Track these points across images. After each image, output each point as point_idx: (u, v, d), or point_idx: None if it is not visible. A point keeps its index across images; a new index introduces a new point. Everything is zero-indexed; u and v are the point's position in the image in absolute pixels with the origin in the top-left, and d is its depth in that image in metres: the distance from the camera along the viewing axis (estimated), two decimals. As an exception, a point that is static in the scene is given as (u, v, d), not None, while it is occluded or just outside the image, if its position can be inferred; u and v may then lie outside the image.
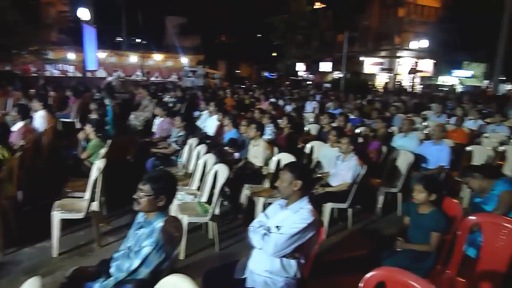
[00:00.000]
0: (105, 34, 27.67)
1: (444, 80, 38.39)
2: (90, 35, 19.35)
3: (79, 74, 22.58)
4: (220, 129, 6.82)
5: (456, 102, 12.70)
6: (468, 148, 6.22)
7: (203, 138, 6.07)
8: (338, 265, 3.88)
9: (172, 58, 32.04)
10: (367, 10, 38.86)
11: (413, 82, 31.53)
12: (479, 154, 6.00)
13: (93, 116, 6.79)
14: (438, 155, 5.46)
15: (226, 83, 27.58)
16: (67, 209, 3.77)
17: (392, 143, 6.18)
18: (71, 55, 26.33)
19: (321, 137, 6.44)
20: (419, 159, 5.52)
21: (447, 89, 32.56)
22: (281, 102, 11.51)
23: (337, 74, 34.44)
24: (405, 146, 5.88)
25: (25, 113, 5.68)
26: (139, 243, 2.20)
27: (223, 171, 4.01)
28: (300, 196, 2.59)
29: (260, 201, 4.47)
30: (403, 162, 5.33)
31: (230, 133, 5.91)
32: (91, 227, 4.03)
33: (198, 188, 4.51)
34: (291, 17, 29.73)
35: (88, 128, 4.97)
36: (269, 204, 2.96)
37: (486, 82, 33.11)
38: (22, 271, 3.45)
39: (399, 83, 35.72)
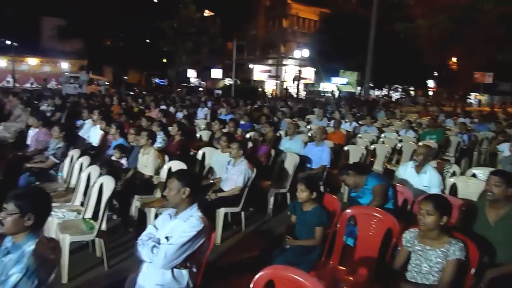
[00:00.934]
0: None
1: (325, 86, 41.94)
2: None
3: None
4: (104, 138, 6.39)
5: (335, 107, 13.93)
6: (346, 148, 6.88)
7: (86, 149, 5.62)
8: (233, 268, 3.92)
9: (49, 62, 29.18)
10: (254, 20, 40.53)
11: (298, 89, 33.78)
12: (354, 153, 6.67)
13: None
14: (320, 156, 5.91)
15: (113, 90, 26.08)
16: None
17: (279, 146, 6.50)
18: None
19: (213, 143, 6.48)
20: (304, 160, 5.91)
21: (328, 95, 35.67)
22: (172, 109, 11.29)
23: (228, 81, 35.13)
24: (291, 148, 6.25)
25: None
26: (6, 271, 1.93)
27: (109, 183, 3.76)
28: (189, 203, 2.55)
29: (151, 212, 4.30)
30: (290, 163, 5.65)
31: (116, 142, 5.58)
32: None
33: (82, 204, 4.15)
34: (180, 24, 29.45)
35: None
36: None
37: (359, 88, 37.15)
38: None
39: (285, 89, 37.96)
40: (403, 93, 43.89)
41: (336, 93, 37.26)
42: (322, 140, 6.11)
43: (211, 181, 5.09)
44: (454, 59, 42.59)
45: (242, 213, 4.78)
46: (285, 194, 5.57)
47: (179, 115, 10.26)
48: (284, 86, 38.56)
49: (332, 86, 41.61)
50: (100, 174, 4.07)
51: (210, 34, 30.04)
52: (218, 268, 3.84)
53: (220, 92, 27.07)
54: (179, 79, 35.78)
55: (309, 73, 39.21)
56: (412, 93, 45.53)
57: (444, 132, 8.59)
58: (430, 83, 45.69)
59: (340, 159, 6.62)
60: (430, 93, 46.85)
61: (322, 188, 5.88)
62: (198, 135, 7.65)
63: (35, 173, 5.07)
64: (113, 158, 5.20)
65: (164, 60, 35.81)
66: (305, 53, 30.63)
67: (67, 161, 5.07)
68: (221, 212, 4.48)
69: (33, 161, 5.54)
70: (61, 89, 23.25)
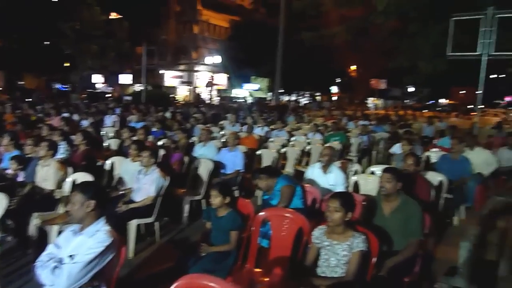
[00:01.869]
0: None
1: (237, 92, 42.61)
2: None
3: None
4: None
5: (247, 112, 14.21)
6: (258, 152, 7.05)
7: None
8: (148, 281, 3.76)
9: None
10: (164, 25, 39.66)
11: (210, 95, 33.81)
12: (267, 157, 6.86)
13: None
14: (234, 161, 5.98)
15: (6, 96, 23.42)
16: None
17: (193, 153, 6.43)
18: None
19: (123, 152, 6.17)
20: (218, 166, 5.91)
21: (240, 100, 36.28)
22: (75, 117, 10.50)
23: (138, 87, 33.79)
24: (205, 154, 6.22)
25: None
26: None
27: (0, 201, 3.35)
28: (95, 217, 2.38)
29: (53, 230, 3.93)
30: (204, 170, 5.61)
31: (10, 155, 5.01)
32: None
33: (-33, 226, 3.64)
34: (83, 26, 27.61)
35: None
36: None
37: (270, 94, 38.42)
38: None
39: (198, 95, 37.72)
40: (310, 98, 46.51)
41: (248, 99, 38.11)
42: (235, 145, 6.18)
43: (121, 192, 4.83)
44: (353, 67, 46.44)
45: (156, 223, 4.61)
46: (200, 201, 5.52)
47: (85, 123, 9.59)
48: (197, 92, 38.31)
49: (244, 92, 42.48)
50: (-10, 192, 3.61)
51: (117, 37, 28.65)
52: (131, 283, 3.65)
53: (129, 98, 25.89)
54: (84, 84, 33.47)
55: (221, 79, 39.48)
56: (318, 98, 48.43)
57: (346, 134, 9.27)
58: (334, 89, 49.05)
59: (253, 163, 6.76)
60: (334, 98, 50.26)
61: (237, 193, 5.95)
62: (106, 144, 7.23)
63: None
64: (8, 171, 4.66)
65: (67, 64, 33.18)
66: (217, 59, 30.85)
67: None
68: (133, 224, 4.27)
69: None
70: None
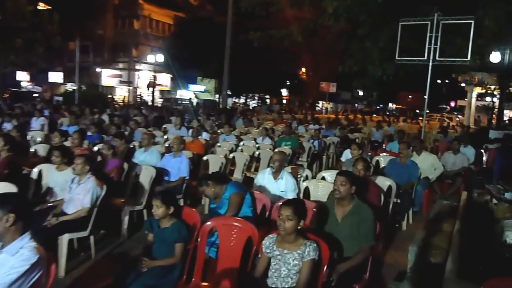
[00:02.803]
0: None
1: (182, 94, 42.08)
2: None
3: None
4: None
5: (193, 115, 14.08)
6: (205, 158, 7.00)
7: None
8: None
9: None
10: (101, 18, 38.25)
11: (153, 96, 33.07)
12: (214, 162, 6.84)
13: None
14: (178, 167, 5.90)
15: None
16: None
17: (133, 159, 6.25)
18: None
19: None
20: (161, 173, 5.80)
21: (186, 102, 35.84)
22: (-4, 119, 9.81)
23: (70, 86, 32.28)
24: (147, 161, 6.08)
25: None
26: None
27: None
28: (18, 233, 2.23)
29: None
30: (145, 177, 5.48)
31: None
32: None
33: None
34: (6, 17, 25.87)
35: None
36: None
37: (217, 96, 38.35)
38: None
39: (139, 96, 36.77)
40: (260, 101, 47.06)
41: (194, 101, 37.75)
42: (180, 151, 6.10)
43: (51, 203, 4.57)
44: (303, 70, 47.72)
45: (91, 237, 4.42)
46: (142, 211, 5.38)
47: (7, 126, 8.99)
48: (138, 93, 37.35)
49: (190, 93, 42.05)
50: None
51: (46, 31, 27.17)
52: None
53: (60, 99, 24.60)
54: (6, 82, 31.32)
55: (164, 79, 38.86)
56: (268, 101, 49.14)
57: (297, 139, 9.49)
58: (284, 92, 50.02)
59: (200, 170, 6.71)
60: (284, 101, 51.25)
61: (182, 201, 5.86)
62: (32, 149, 6.82)
63: None
64: None
65: (-15, 60, 30.90)
66: (160, 57, 30.20)
67: None
68: (64, 238, 4.06)
69: None
70: None
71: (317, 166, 9.53)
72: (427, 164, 6.73)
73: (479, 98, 29.97)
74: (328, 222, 3.44)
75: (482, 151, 9.64)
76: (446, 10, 9.54)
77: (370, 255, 3.34)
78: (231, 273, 3.23)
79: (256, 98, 47.74)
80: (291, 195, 4.46)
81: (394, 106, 67.36)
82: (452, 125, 26.15)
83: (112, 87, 38.67)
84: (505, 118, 23.97)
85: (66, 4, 29.90)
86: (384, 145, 9.99)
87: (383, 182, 5.34)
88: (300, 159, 9.01)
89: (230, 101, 36.67)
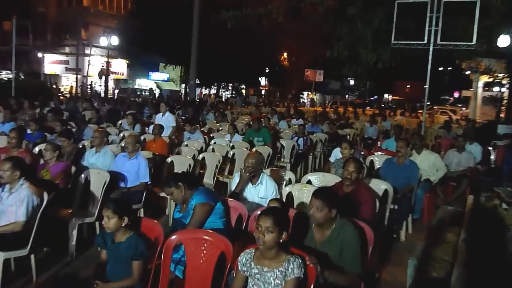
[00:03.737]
0: None
1: (141, 83, 41.71)
2: None
3: None
4: None
5: (154, 109, 13.91)
6: (169, 159, 6.94)
7: None
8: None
9: None
10: (42, -7, 37.50)
11: (106, 86, 32.62)
12: (180, 165, 6.78)
13: None
14: (136, 171, 5.82)
15: None
16: None
17: (82, 162, 6.15)
18: None
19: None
20: (116, 178, 5.71)
21: (146, 94, 35.52)
22: None
23: (6, 75, 31.44)
24: (99, 163, 5.98)
25: None
26: None
27: None
28: None
29: None
30: (97, 184, 5.38)
31: None
32: None
33: None
34: None
35: None
36: None
37: (183, 86, 38.16)
38: None
39: (90, 86, 36.20)
40: (234, 92, 47.11)
41: (156, 92, 37.47)
42: (136, 151, 6.01)
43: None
44: (285, 55, 48.00)
45: (32, 256, 4.32)
46: (93, 224, 5.29)
47: None
48: (88, 83, 36.79)
49: (151, 83, 41.70)
50: None
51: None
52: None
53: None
54: None
55: (120, 66, 38.42)
56: (244, 92, 49.22)
57: (268, 131, 9.45)
58: (262, 81, 50.22)
59: (163, 173, 6.65)
60: (263, 92, 51.45)
61: (142, 212, 5.80)
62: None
63: None
64: None
65: None
66: (114, 40, 29.80)
67: None
68: (-2, 258, 3.95)
69: None
70: None
71: (302, 168, 9.59)
72: (428, 164, 6.86)
73: (486, 88, 30.74)
74: (308, 240, 3.39)
75: (490, 148, 9.89)
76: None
77: (359, 284, 3.33)
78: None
79: (230, 88, 47.79)
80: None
81: (390, 97, 68.73)
82: (456, 119, 26.78)
83: (57, 75, 38.00)
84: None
85: (-1, -25, 29.19)
86: (379, 142, 10.13)
87: (378, 185, 5.41)
88: (282, 159, 9.04)
89: (199, 92, 36.56)
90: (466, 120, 22.23)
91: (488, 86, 30.10)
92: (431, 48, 9.87)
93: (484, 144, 9.42)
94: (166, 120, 9.80)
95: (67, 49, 38.84)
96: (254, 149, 6.92)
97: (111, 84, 36.35)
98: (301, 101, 51.17)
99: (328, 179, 5.50)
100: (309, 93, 52.55)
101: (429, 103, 15.11)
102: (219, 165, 7.23)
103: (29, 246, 4.21)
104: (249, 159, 4.72)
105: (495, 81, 23.58)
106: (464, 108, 37.57)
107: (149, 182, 5.91)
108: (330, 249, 3.28)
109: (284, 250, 2.88)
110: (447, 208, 5.58)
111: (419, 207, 6.57)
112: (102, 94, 31.04)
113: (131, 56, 34.48)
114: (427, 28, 9.76)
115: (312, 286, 2.93)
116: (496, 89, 28.51)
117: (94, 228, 5.30)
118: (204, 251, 3.32)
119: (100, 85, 34.51)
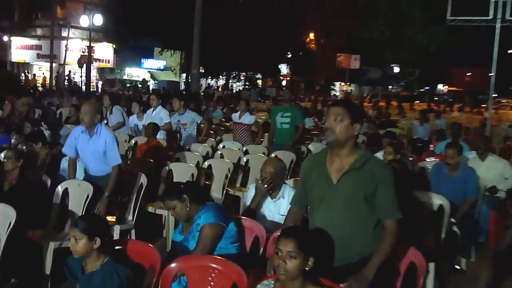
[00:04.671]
0: None
1: (132, 73, 41.96)
2: None
3: None
4: None
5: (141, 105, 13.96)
6: (167, 167, 6.98)
7: None
8: None
9: None
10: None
11: (88, 77, 32.73)
12: (181, 174, 6.78)
13: None
14: (100, 151, 5.70)
15: None
16: None
17: (60, 172, 6.21)
18: None
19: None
20: (100, 190, 5.75)
21: (138, 86, 35.64)
22: None
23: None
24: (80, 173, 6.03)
25: None
26: None
27: None
28: None
29: None
30: (78, 197, 5.45)
31: None
32: None
33: None
34: None
35: None
36: None
37: (183, 76, 38.31)
38: None
39: (67, 78, 36.47)
40: (248, 83, 47.14)
41: (151, 84, 37.66)
42: (96, 125, 5.92)
43: None
44: (312, 36, 47.88)
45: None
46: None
47: None
48: (66, 73, 37.12)
49: (144, 72, 41.94)
50: None
51: None
52: None
53: None
54: None
55: (105, 52, 38.63)
56: (260, 83, 49.22)
57: (301, 109, 9.31)
58: (284, 69, 50.16)
59: (159, 186, 6.69)
60: (284, 82, 51.41)
61: (133, 233, 5.83)
62: None
63: None
64: None
65: None
66: (98, 20, 30.02)
67: None
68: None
69: None
70: None
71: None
72: (495, 174, 6.75)
73: None
74: (314, 186, 3.26)
75: None
76: None
77: (398, 239, 3.16)
78: None
79: (242, 78, 47.85)
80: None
81: (446, 88, 68.08)
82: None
83: (27, 63, 38.35)
84: None
85: None
86: (431, 145, 10.04)
87: (431, 200, 5.35)
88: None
89: (203, 84, 36.66)
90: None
91: None
92: (498, 25, 9.77)
93: None
94: (158, 116, 9.44)
95: (39, 31, 39.11)
96: (273, 155, 6.92)
97: (94, 74, 36.60)
98: (331, 94, 50.95)
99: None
100: (342, 83, 52.28)
101: (495, 95, 14.88)
102: (229, 175, 7.24)
103: (-6, 276, 4.27)
104: (267, 166, 4.72)
105: None
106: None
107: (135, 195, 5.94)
108: (357, 181, 3.10)
109: (311, 280, 2.85)
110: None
111: (484, 228, 6.48)
112: (83, 87, 31.26)
113: (119, 39, 34.71)
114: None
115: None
116: None
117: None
118: (212, 283, 3.33)
119: (81, 76, 34.72)
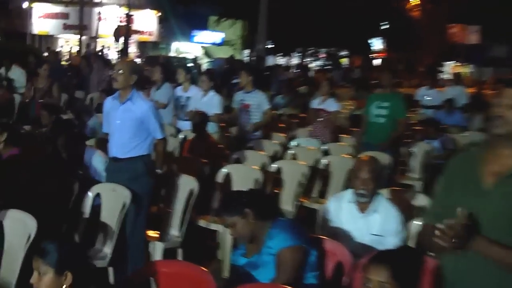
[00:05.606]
0: None
1: (181, 49, 42.41)
2: None
3: None
4: None
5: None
6: (223, 170, 7.02)
7: None
8: None
9: None
10: None
11: (125, 53, 33.15)
12: (241, 179, 6.80)
13: None
14: (136, 123, 5.82)
15: None
16: None
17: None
18: None
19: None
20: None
21: (190, 64, 35.90)
22: None
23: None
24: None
25: None
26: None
27: None
28: None
29: None
30: (112, 206, 5.56)
31: None
32: None
33: None
34: None
35: None
36: None
37: (246, 53, 38.51)
38: None
39: (100, 53, 37.16)
40: (329, 62, 46.85)
41: (204, 63, 37.96)
42: (131, 88, 5.93)
43: None
44: (415, 1, 47.13)
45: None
46: (105, 270, 5.47)
47: None
48: (99, 48, 37.90)
49: (196, 48, 42.37)
50: None
51: None
52: None
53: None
54: None
55: (148, 22, 39.14)
56: (346, 61, 48.84)
57: (404, 99, 9.17)
58: (377, 44, 49.58)
59: (213, 194, 6.75)
60: (377, 61, 50.76)
61: (181, 252, 5.90)
62: None
63: None
64: None
65: None
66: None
67: None
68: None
69: None
70: None
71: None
72: None
73: None
74: (458, 194, 2.99)
75: None
76: None
77: None
78: None
79: (323, 57, 47.68)
80: (392, 242, 4.41)
81: None
82: None
83: (51, 36, 39.28)
84: None
85: None
86: None
87: None
88: (406, 172, 8.89)
89: (272, 62, 36.70)
90: None
91: None
92: None
93: None
94: (210, 102, 9.43)
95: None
96: (364, 153, 6.84)
97: (133, 49, 37.14)
98: (440, 78, 49.95)
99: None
100: (456, 63, 51.17)
101: None
102: (304, 182, 7.23)
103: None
104: (362, 170, 4.68)
105: None
106: None
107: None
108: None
109: None
110: None
111: None
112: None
113: (165, 6, 35.17)
114: None
115: None
116: None
117: (107, 276, 5.47)
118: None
119: (118, 52, 35.13)
